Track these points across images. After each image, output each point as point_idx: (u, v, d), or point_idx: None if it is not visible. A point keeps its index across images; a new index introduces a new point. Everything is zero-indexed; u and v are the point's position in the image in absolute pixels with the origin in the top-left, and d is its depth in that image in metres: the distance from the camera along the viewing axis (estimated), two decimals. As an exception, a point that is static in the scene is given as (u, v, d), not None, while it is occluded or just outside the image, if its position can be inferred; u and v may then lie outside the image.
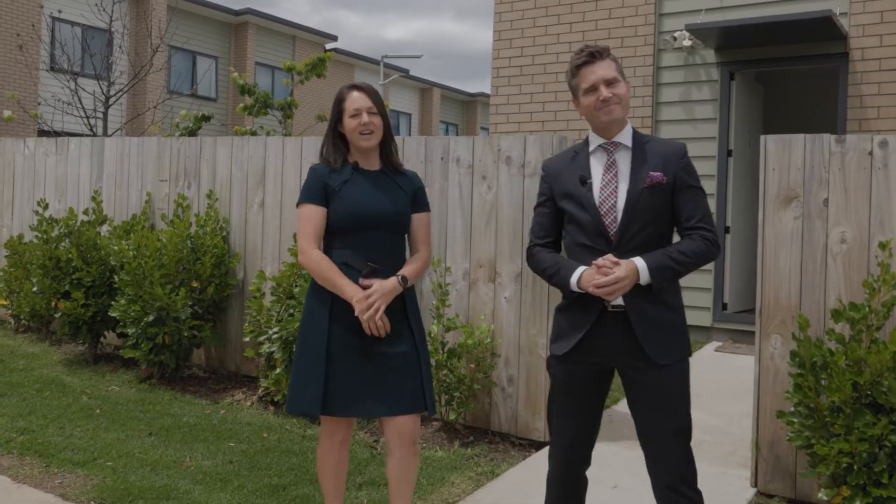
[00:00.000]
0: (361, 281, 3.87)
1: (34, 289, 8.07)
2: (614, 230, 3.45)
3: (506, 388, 6.15)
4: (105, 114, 16.19)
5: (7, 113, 17.73)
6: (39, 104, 22.39)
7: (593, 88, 3.53)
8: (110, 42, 17.33)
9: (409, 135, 40.14)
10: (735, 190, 10.54)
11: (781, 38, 10.02)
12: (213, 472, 5.33)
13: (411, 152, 6.64)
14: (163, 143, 8.40)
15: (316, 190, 4.03)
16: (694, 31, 10.00)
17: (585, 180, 3.55)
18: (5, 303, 8.96)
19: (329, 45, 36.38)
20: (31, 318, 8.38)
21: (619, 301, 3.43)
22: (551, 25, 11.88)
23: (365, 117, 3.97)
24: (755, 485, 5.18)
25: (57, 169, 9.43)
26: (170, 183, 8.28)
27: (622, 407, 6.70)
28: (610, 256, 3.36)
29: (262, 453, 5.72)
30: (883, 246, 4.52)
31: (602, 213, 3.48)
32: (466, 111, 47.96)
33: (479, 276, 6.26)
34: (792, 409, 4.51)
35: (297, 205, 4.11)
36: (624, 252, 3.41)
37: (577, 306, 3.54)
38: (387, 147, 4.17)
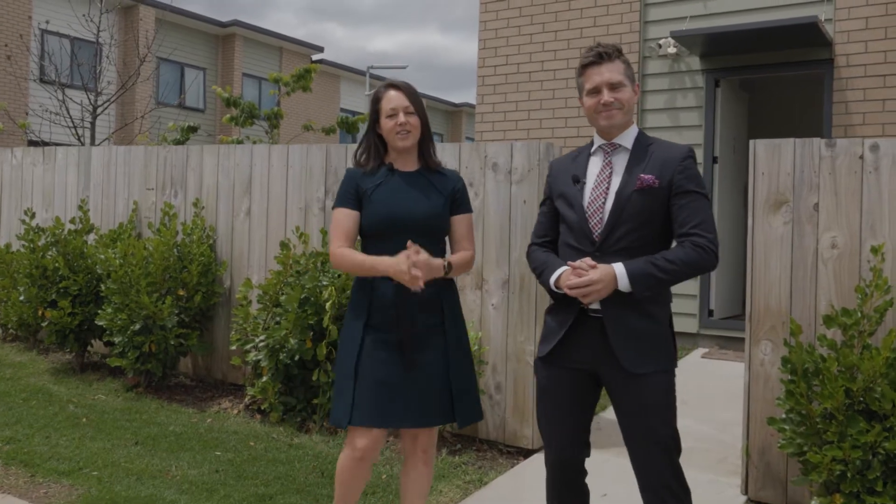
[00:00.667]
0: (410, 245, 3.66)
1: (21, 298, 8.05)
2: (598, 232, 3.41)
3: (493, 395, 6.13)
4: (93, 124, 16.23)
5: (-3, 124, 17.77)
6: (28, 115, 22.39)
7: (596, 90, 3.52)
8: (98, 53, 17.36)
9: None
10: (721, 196, 10.55)
11: (766, 45, 10.04)
12: (199, 482, 5.29)
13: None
14: (149, 152, 8.39)
15: (348, 194, 3.92)
16: (679, 38, 10.01)
17: (578, 180, 3.53)
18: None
19: (315, 57, 36.49)
20: (19, 327, 8.35)
21: (597, 306, 3.39)
22: (536, 34, 11.90)
23: (401, 117, 3.86)
24: (746, 492, 5.14)
25: (44, 178, 9.42)
26: (156, 191, 8.26)
27: (609, 414, 6.66)
28: (587, 259, 3.32)
29: (249, 462, 5.68)
30: (875, 251, 4.48)
31: (588, 213, 3.44)
32: (451, 121, 47.94)
33: (466, 283, 6.23)
34: (783, 415, 4.46)
35: (332, 209, 3.99)
36: (607, 254, 3.36)
37: (561, 307, 3.52)
38: (425, 147, 4.04)
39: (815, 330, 4.82)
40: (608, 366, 3.41)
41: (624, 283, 3.27)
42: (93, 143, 16.44)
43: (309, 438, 6.20)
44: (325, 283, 6.32)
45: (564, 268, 3.42)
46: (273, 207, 7.39)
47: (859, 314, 4.31)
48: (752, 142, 5.12)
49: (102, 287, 7.45)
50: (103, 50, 17.74)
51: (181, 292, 7.32)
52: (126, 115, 24.67)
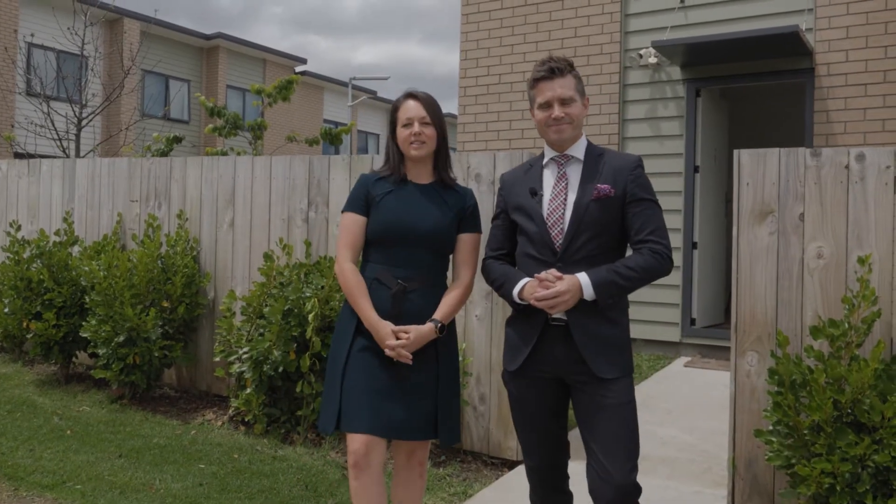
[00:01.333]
0: (397, 331, 3.66)
1: (6, 310, 8.02)
2: (560, 242, 3.45)
3: (477, 406, 6.12)
4: (77, 136, 16.25)
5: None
6: (14, 127, 22.37)
7: (547, 105, 3.55)
8: (82, 65, 17.37)
9: (378, 153, 39.92)
10: (702, 206, 10.56)
11: (747, 55, 10.08)
12: (182, 495, 5.27)
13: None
14: (133, 164, 8.38)
15: (359, 199, 3.88)
16: (660, 47, 10.04)
17: (536, 192, 3.57)
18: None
19: (298, 68, 36.61)
20: (4, 339, 8.32)
21: (562, 315, 3.43)
22: (517, 44, 11.95)
23: (416, 127, 3.81)
24: (732, 504, 5.13)
25: (29, 191, 9.41)
26: (140, 203, 8.26)
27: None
28: (553, 271, 3.36)
29: (233, 475, 5.66)
30: (862, 261, 4.44)
31: (549, 224, 3.49)
32: (434, 132, 47.99)
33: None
34: (770, 427, 4.43)
35: (342, 212, 3.95)
36: (569, 264, 3.42)
37: (523, 318, 3.56)
38: (441, 160, 3.98)
39: (802, 341, 4.79)
40: (575, 372, 3.45)
41: (589, 293, 3.34)
42: (78, 154, 16.49)
43: (293, 450, 6.18)
44: (308, 294, 6.30)
45: (527, 279, 3.47)
46: (256, 219, 7.39)
47: (847, 325, 4.27)
48: (736, 151, 5.09)
49: (87, 299, 7.44)
50: (88, 62, 17.76)
51: (165, 304, 7.32)
52: (111, 126, 24.76)
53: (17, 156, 19.94)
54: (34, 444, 6.21)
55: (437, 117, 3.89)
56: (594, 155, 3.59)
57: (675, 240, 10.23)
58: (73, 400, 7.54)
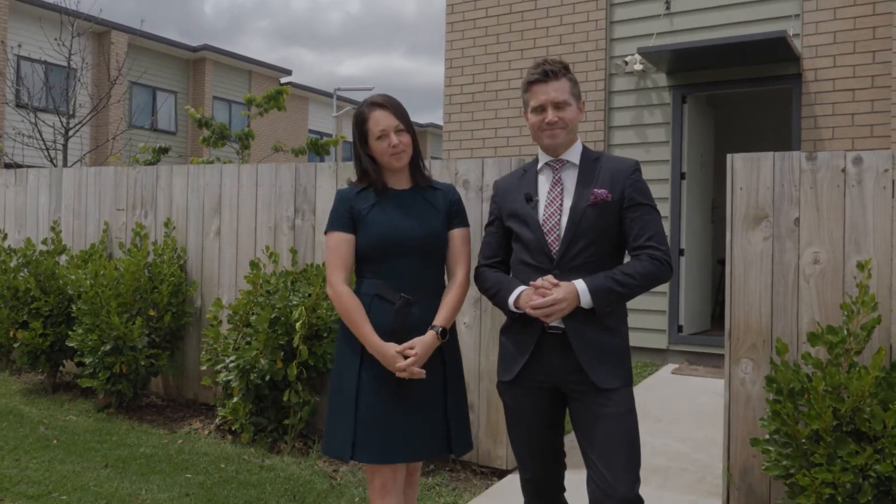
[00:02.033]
0: (403, 350, 3.54)
1: (-7, 319, 8.02)
2: (556, 248, 3.38)
3: (468, 415, 6.09)
4: (65, 146, 16.27)
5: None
6: (2, 137, 22.36)
7: (541, 108, 3.46)
8: (69, 76, 17.38)
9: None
10: (689, 212, 10.57)
11: (734, 61, 10.08)
12: (169, 506, 5.22)
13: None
14: (119, 173, 8.34)
15: (342, 216, 3.71)
16: (646, 54, 10.04)
17: (531, 198, 3.49)
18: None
19: (284, 80, 36.76)
20: (-9, 349, 8.32)
21: (559, 323, 3.34)
22: (502, 52, 11.95)
23: (394, 138, 3.66)
24: (727, 513, 5.06)
25: (16, 200, 9.40)
26: (127, 212, 8.22)
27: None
28: (549, 277, 3.28)
29: (220, 485, 5.61)
30: (861, 266, 4.32)
31: (545, 230, 3.41)
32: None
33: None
34: (767, 436, 4.34)
35: (325, 233, 3.78)
36: (566, 270, 3.34)
37: (518, 326, 3.48)
38: (415, 163, 3.84)
39: (798, 348, 4.71)
40: (573, 381, 3.38)
41: (586, 300, 3.26)
42: (65, 164, 16.53)
43: (280, 459, 6.13)
44: (295, 302, 6.27)
45: (522, 287, 3.39)
46: (243, 227, 7.35)
47: (846, 332, 4.18)
48: (729, 156, 5.00)
49: (73, 308, 7.41)
50: (75, 74, 17.76)
51: (152, 312, 7.28)
52: (99, 137, 24.85)
53: (6, 166, 19.92)
54: (20, 454, 6.16)
55: (407, 122, 3.76)
56: (590, 159, 3.51)
57: (663, 247, 10.18)
58: (60, 409, 7.50)
